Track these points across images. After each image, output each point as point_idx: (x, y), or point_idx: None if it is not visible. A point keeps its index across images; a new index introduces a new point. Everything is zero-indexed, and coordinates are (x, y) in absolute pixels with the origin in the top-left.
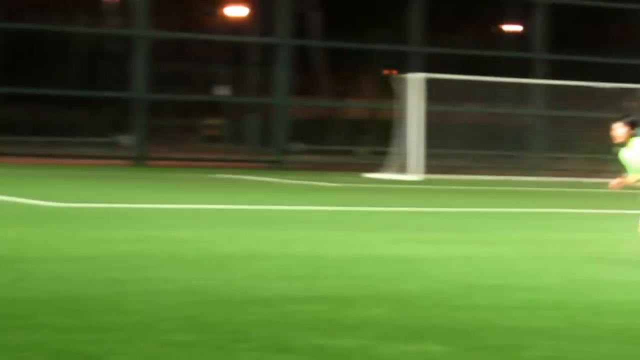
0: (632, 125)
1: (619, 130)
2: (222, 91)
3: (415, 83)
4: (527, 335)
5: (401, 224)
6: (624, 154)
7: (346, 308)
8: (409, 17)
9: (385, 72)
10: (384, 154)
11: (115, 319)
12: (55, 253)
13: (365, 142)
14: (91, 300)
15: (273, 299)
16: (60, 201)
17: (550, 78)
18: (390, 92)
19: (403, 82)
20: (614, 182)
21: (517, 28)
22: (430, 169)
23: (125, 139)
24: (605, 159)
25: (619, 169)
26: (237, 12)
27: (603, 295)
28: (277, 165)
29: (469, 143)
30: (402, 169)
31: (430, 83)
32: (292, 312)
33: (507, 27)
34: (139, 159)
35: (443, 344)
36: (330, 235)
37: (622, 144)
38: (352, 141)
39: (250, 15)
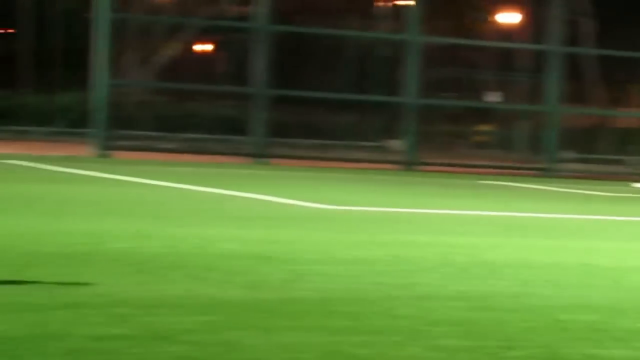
0: None
1: None
2: (492, 97)
3: None
4: None
5: None
6: None
7: (618, 318)
8: None
9: None
10: None
11: (385, 322)
12: (327, 255)
13: (635, 151)
14: (362, 303)
15: (543, 307)
16: (332, 204)
17: None
18: None
19: None
20: None
21: None
22: None
23: (395, 144)
24: None
25: None
26: (508, 18)
27: None
28: (546, 173)
29: None
30: None
31: None
32: (563, 321)
33: None
34: (409, 164)
35: None
36: (602, 245)
37: None
38: (622, 150)
39: (521, 22)
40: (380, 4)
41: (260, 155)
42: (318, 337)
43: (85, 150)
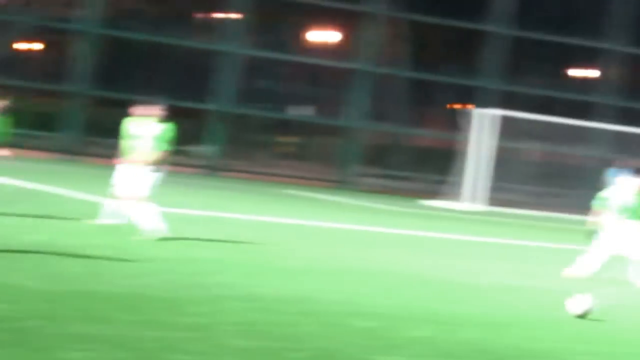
0: None
1: None
2: (300, 110)
3: (484, 118)
4: None
5: (456, 250)
6: None
7: (397, 326)
8: (485, 54)
9: (456, 105)
10: (444, 182)
11: (174, 319)
12: (120, 251)
13: (429, 170)
14: (150, 300)
15: (330, 312)
16: None
17: (619, 123)
18: (457, 124)
19: (469, 115)
20: None
21: (589, 73)
22: (491, 200)
23: (201, 149)
24: None
25: None
26: (324, 36)
27: None
28: (343, 186)
29: (532, 179)
30: (459, 198)
31: (499, 119)
32: (346, 326)
33: (579, 72)
34: (214, 169)
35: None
36: (379, 254)
37: None
38: (416, 168)
39: (336, 40)
40: (201, 15)
41: (75, 152)
42: (109, 330)
43: None
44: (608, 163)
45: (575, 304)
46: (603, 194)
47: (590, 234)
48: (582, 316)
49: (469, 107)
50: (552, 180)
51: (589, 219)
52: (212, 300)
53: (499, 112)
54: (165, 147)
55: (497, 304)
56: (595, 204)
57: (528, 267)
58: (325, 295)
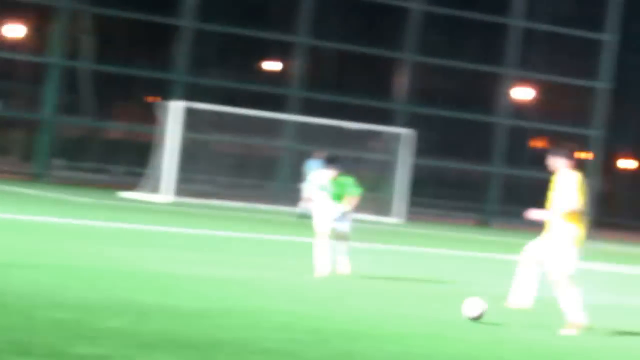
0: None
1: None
2: None
3: (171, 110)
4: (256, 355)
5: (149, 241)
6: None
7: (89, 317)
8: (174, 47)
9: (150, 98)
10: (140, 174)
11: None
12: None
13: (123, 162)
14: None
15: (19, 305)
16: None
17: (303, 114)
18: (151, 117)
19: (164, 108)
20: None
21: (277, 66)
22: (181, 192)
23: None
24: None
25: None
26: (13, 30)
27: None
28: (39, 179)
29: (221, 170)
30: (156, 190)
31: (188, 111)
32: (36, 318)
33: (268, 64)
34: None
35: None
36: (80, 248)
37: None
38: (111, 161)
39: (25, 34)
40: None
41: None
42: None
43: None
44: (298, 154)
45: (470, 307)
46: (310, 181)
47: (303, 216)
48: (477, 318)
49: (162, 100)
50: (243, 171)
51: (301, 203)
52: None
53: (184, 104)
54: None
55: (188, 294)
56: (306, 190)
57: (216, 256)
58: (17, 288)
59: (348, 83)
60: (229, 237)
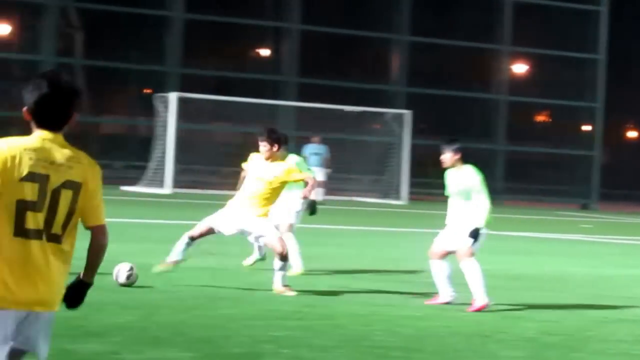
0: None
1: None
2: None
3: (170, 102)
4: (267, 343)
5: (152, 234)
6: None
7: (96, 314)
8: (166, 40)
9: (144, 91)
10: (139, 168)
11: None
12: None
13: (122, 156)
14: None
15: None
16: None
17: (298, 100)
18: (148, 110)
19: (163, 100)
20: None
21: (268, 52)
22: (179, 183)
23: None
24: (345, 178)
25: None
26: (2, 30)
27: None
28: None
29: (219, 160)
30: (156, 183)
31: (183, 102)
32: None
33: (261, 51)
34: None
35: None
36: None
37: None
38: (110, 155)
39: (14, 32)
40: None
41: None
42: None
43: None
44: (295, 140)
45: (120, 273)
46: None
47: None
48: (126, 284)
49: (155, 92)
50: (242, 160)
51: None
52: None
53: (180, 94)
54: None
55: (195, 286)
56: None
57: (223, 248)
58: None
59: (342, 67)
60: None
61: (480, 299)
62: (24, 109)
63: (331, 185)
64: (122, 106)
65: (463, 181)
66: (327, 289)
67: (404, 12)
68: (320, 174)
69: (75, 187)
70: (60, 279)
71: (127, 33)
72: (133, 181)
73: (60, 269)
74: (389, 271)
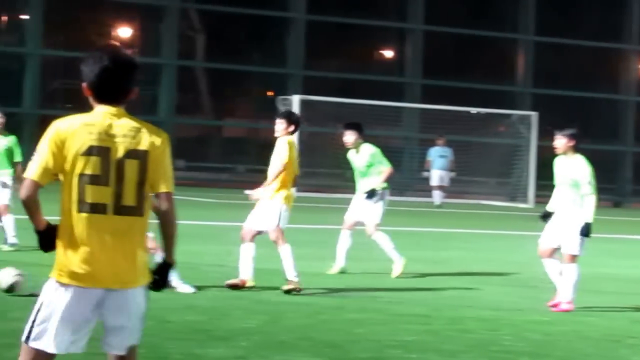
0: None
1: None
2: None
3: (293, 104)
4: (394, 348)
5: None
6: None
7: (221, 319)
8: (288, 41)
9: (267, 93)
10: (262, 172)
11: None
12: None
13: (244, 160)
14: None
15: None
16: None
17: (422, 102)
18: (270, 113)
19: (285, 103)
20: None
21: (391, 53)
22: (303, 187)
23: None
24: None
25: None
26: (124, 33)
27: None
28: None
29: (342, 164)
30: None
31: (305, 104)
32: (170, 322)
33: (384, 53)
34: None
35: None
36: (202, 248)
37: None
38: (232, 159)
39: (135, 35)
40: None
41: None
42: None
43: None
44: (418, 142)
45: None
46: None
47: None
48: (9, 290)
49: (277, 95)
50: None
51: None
52: None
53: (303, 97)
54: None
55: (321, 290)
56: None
57: (354, 252)
58: (150, 293)
59: (466, 68)
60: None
61: (569, 302)
62: (84, 84)
63: (456, 188)
64: (244, 109)
65: (573, 170)
66: (454, 293)
67: (529, 12)
68: (446, 177)
69: (141, 155)
70: (134, 252)
71: (248, 35)
72: (256, 185)
73: (133, 241)
74: (515, 275)
